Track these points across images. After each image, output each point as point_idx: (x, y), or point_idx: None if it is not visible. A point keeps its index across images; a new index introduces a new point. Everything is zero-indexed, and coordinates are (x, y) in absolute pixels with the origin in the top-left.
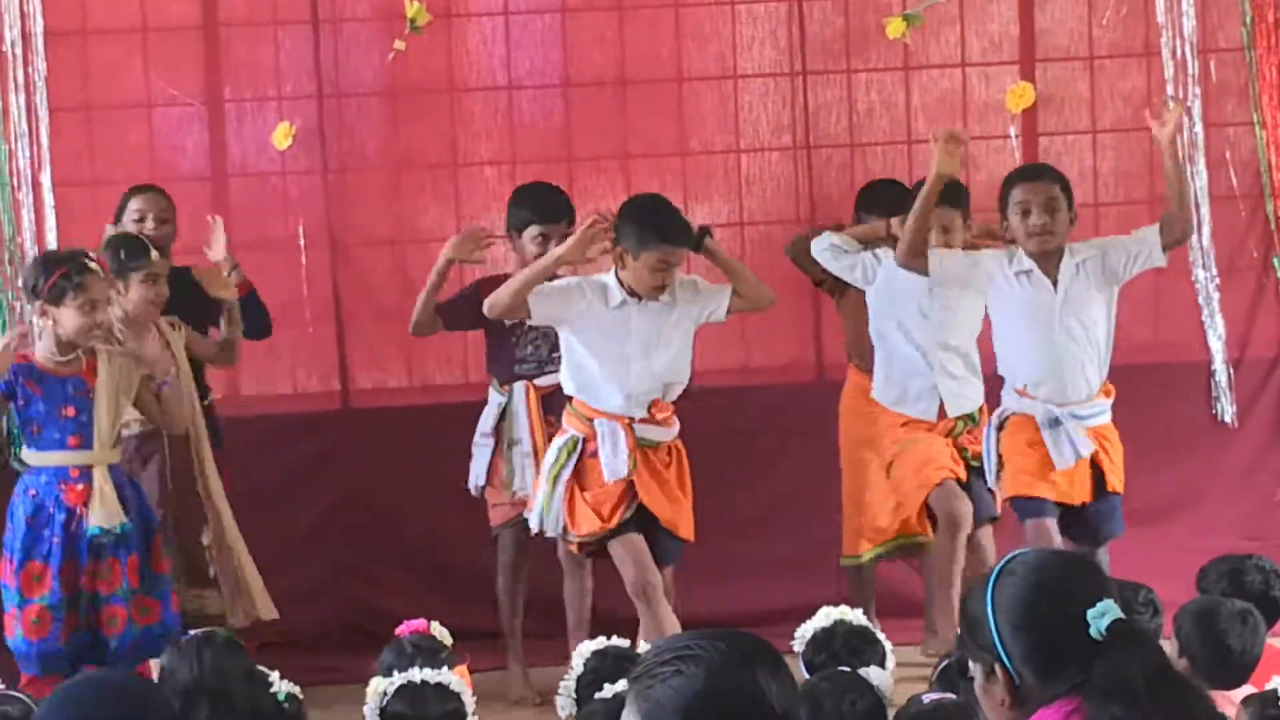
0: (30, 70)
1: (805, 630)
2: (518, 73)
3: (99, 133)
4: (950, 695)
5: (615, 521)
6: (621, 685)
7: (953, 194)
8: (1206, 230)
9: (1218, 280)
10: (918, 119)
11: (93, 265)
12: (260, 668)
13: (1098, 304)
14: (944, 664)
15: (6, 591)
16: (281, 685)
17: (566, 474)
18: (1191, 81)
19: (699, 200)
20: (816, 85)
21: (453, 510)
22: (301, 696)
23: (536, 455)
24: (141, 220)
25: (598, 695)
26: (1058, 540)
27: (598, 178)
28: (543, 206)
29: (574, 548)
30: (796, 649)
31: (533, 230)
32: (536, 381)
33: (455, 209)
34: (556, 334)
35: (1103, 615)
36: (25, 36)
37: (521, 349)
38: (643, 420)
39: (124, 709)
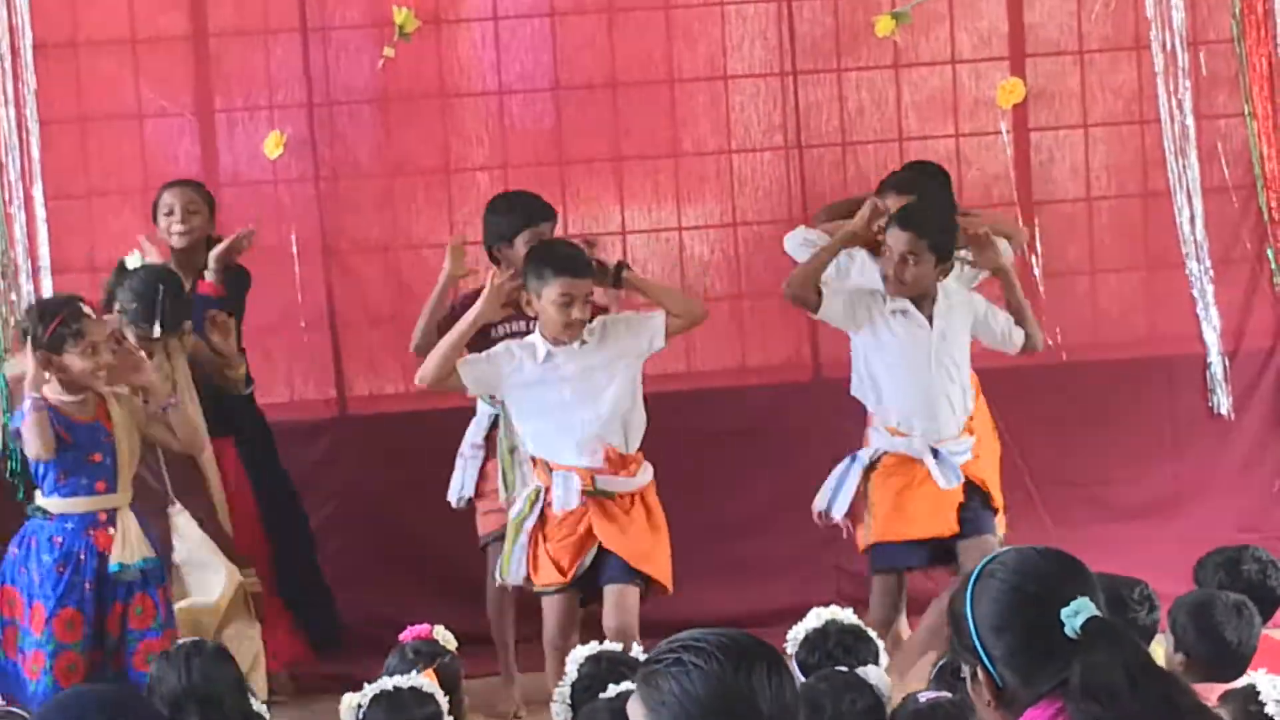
0: (20, 83)
1: (797, 632)
2: (508, 77)
3: (90, 145)
4: (947, 694)
5: (570, 576)
6: (625, 686)
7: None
8: (1200, 223)
9: (1212, 273)
10: (909, 117)
11: (87, 309)
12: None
13: (963, 344)
14: (941, 663)
15: (29, 636)
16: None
17: (530, 523)
18: (1182, 74)
19: (692, 201)
20: (807, 85)
21: (453, 515)
22: (267, 717)
23: None
24: (170, 214)
25: (601, 695)
26: (901, 597)
27: (590, 181)
28: (528, 209)
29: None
30: (790, 650)
31: (525, 235)
32: None
33: (448, 214)
34: None
35: (1076, 614)
36: (14, 49)
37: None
38: (599, 471)
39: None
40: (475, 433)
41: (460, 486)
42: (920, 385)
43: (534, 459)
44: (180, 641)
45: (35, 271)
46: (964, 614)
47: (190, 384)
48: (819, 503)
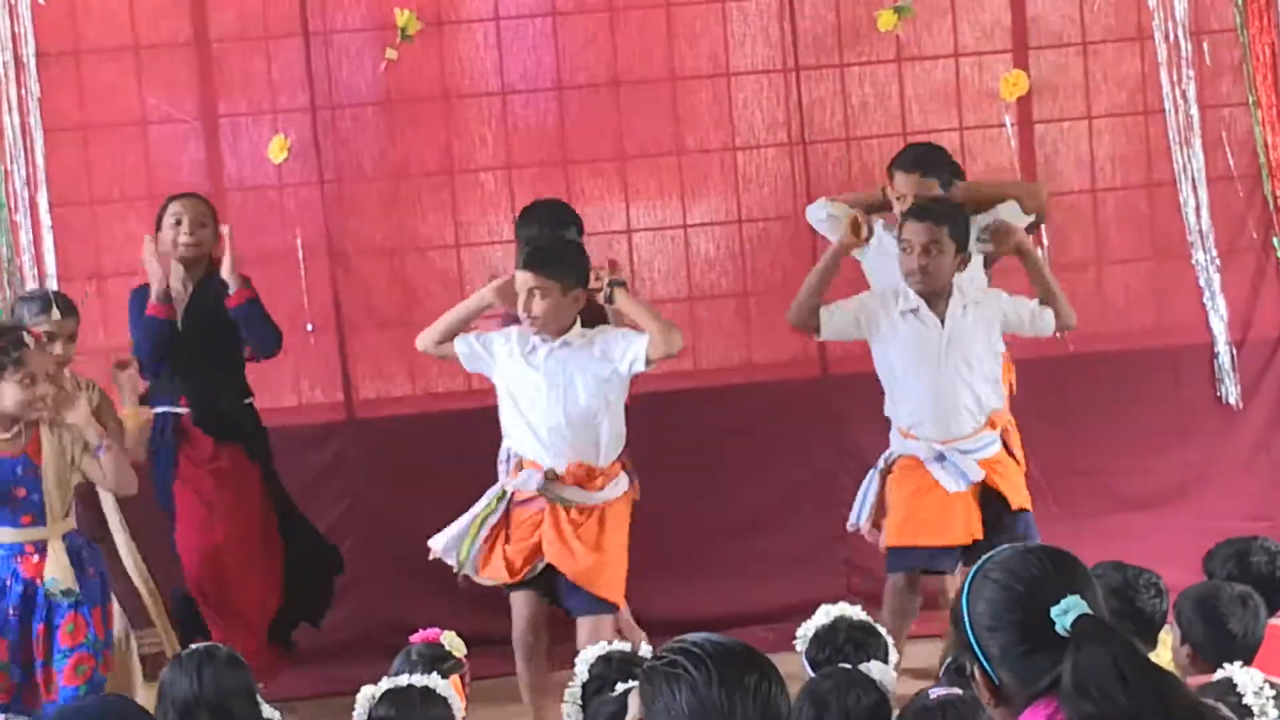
0: (24, 91)
1: (807, 629)
2: (511, 77)
3: (95, 152)
4: (956, 691)
5: (520, 577)
6: (633, 684)
7: (926, 161)
8: (1205, 213)
9: (1218, 262)
10: (912, 111)
11: (29, 339)
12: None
13: (983, 342)
14: (951, 660)
15: None
16: (263, 709)
17: (493, 520)
18: (1185, 64)
19: (696, 198)
20: (810, 80)
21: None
22: None
23: None
24: (178, 224)
25: (612, 694)
26: (915, 600)
27: (595, 180)
28: (551, 220)
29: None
30: (799, 648)
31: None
32: None
33: (453, 215)
34: None
35: (1066, 612)
36: (18, 58)
37: None
38: (559, 479)
39: None
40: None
41: None
42: (927, 385)
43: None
44: (193, 647)
45: (41, 279)
46: (961, 614)
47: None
48: (852, 519)
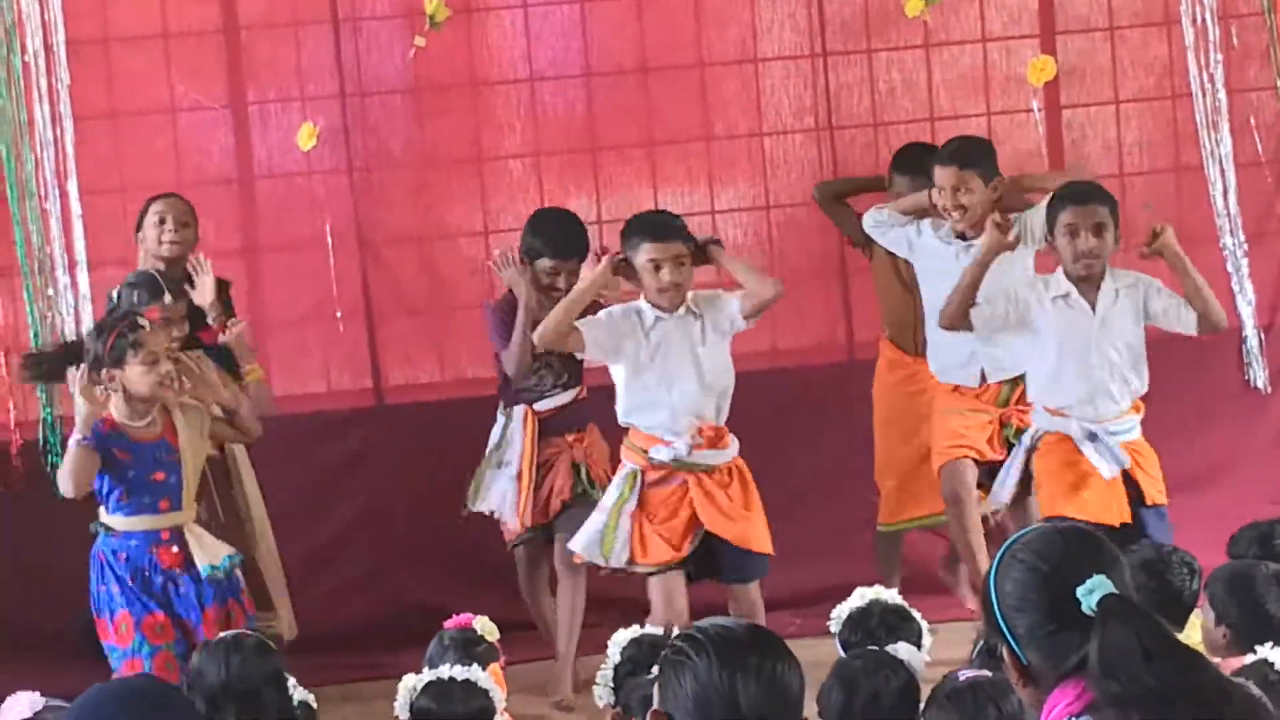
0: (54, 80)
1: (841, 611)
2: (539, 64)
3: (124, 140)
4: (985, 673)
5: (686, 549)
6: None
7: (965, 155)
8: (1233, 197)
9: (1245, 246)
10: (940, 96)
11: (143, 321)
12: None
13: (1133, 328)
14: (981, 642)
15: (116, 651)
16: (295, 692)
17: (630, 506)
18: (1213, 48)
19: (724, 185)
20: (838, 66)
21: None
22: (315, 705)
23: (521, 480)
24: (162, 223)
25: (645, 678)
26: None
27: (623, 167)
28: (557, 240)
29: (620, 575)
30: (833, 629)
31: (544, 263)
32: (535, 406)
33: (481, 203)
34: (560, 367)
35: (1092, 592)
36: (48, 46)
37: (526, 379)
38: (695, 446)
39: (152, 712)
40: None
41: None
42: (1079, 371)
43: (628, 441)
44: (222, 635)
45: (71, 266)
46: (989, 594)
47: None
48: (994, 498)
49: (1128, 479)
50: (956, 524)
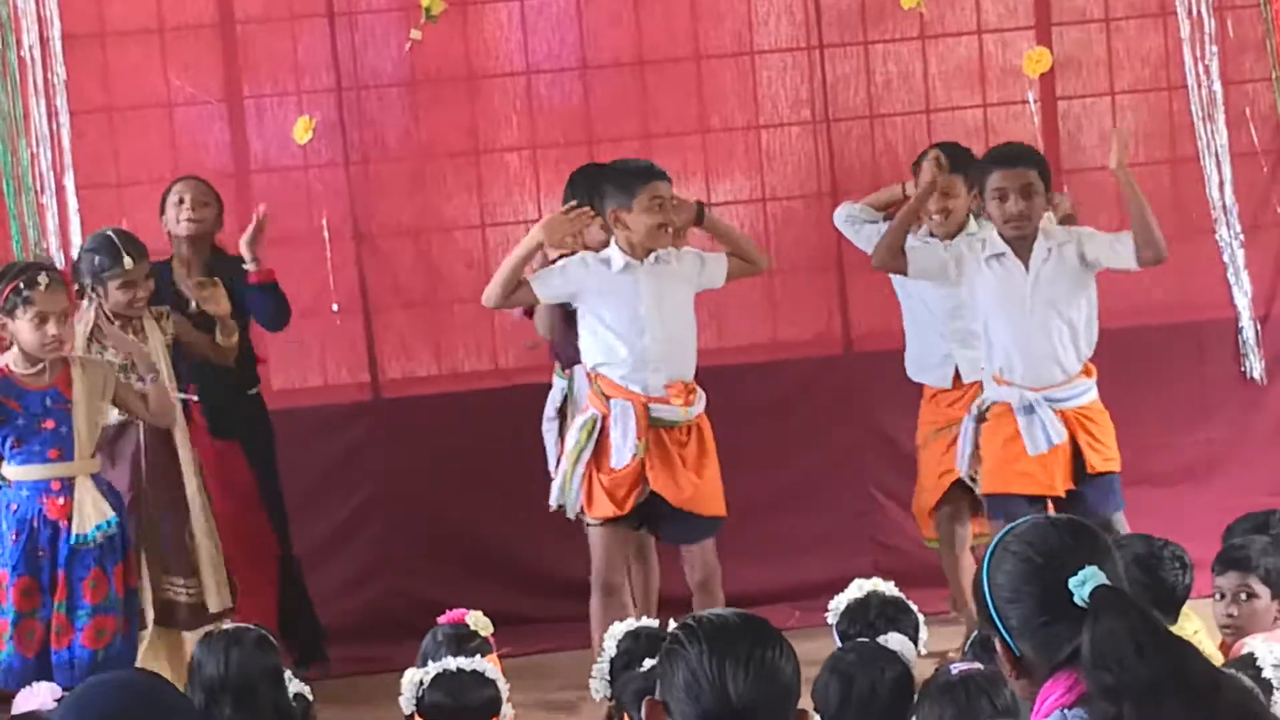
0: (50, 74)
1: (839, 602)
2: (535, 57)
3: (120, 134)
4: (978, 665)
5: (629, 507)
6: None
7: (956, 159)
8: (1229, 188)
9: (1242, 237)
10: (936, 88)
11: (42, 279)
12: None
13: (1072, 286)
14: (975, 635)
15: None
16: (292, 685)
17: (587, 454)
18: (1208, 39)
19: (721, 177)
20: (834, 58)
21: (489, 496)
22: (311, 698)
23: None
24: (181, 203)
25: (639, 670)
26: None
27: (619, 158)
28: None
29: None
30: (831, 621)
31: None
32: None
33: (478, 196)
34: None
35: (1084, 583)
36: (44, 40)
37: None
38: (658, 399)
39: (147, 707)
40: (550, 406)
41: (552, 459)
42: (1016, 330)
43: (592, 384)
44: (224, 627)
45: (68, 261)
46: (982, 586)
47: (168, 362)
48: (959, 466)
49: (1075, 447)
50: (951, 564)
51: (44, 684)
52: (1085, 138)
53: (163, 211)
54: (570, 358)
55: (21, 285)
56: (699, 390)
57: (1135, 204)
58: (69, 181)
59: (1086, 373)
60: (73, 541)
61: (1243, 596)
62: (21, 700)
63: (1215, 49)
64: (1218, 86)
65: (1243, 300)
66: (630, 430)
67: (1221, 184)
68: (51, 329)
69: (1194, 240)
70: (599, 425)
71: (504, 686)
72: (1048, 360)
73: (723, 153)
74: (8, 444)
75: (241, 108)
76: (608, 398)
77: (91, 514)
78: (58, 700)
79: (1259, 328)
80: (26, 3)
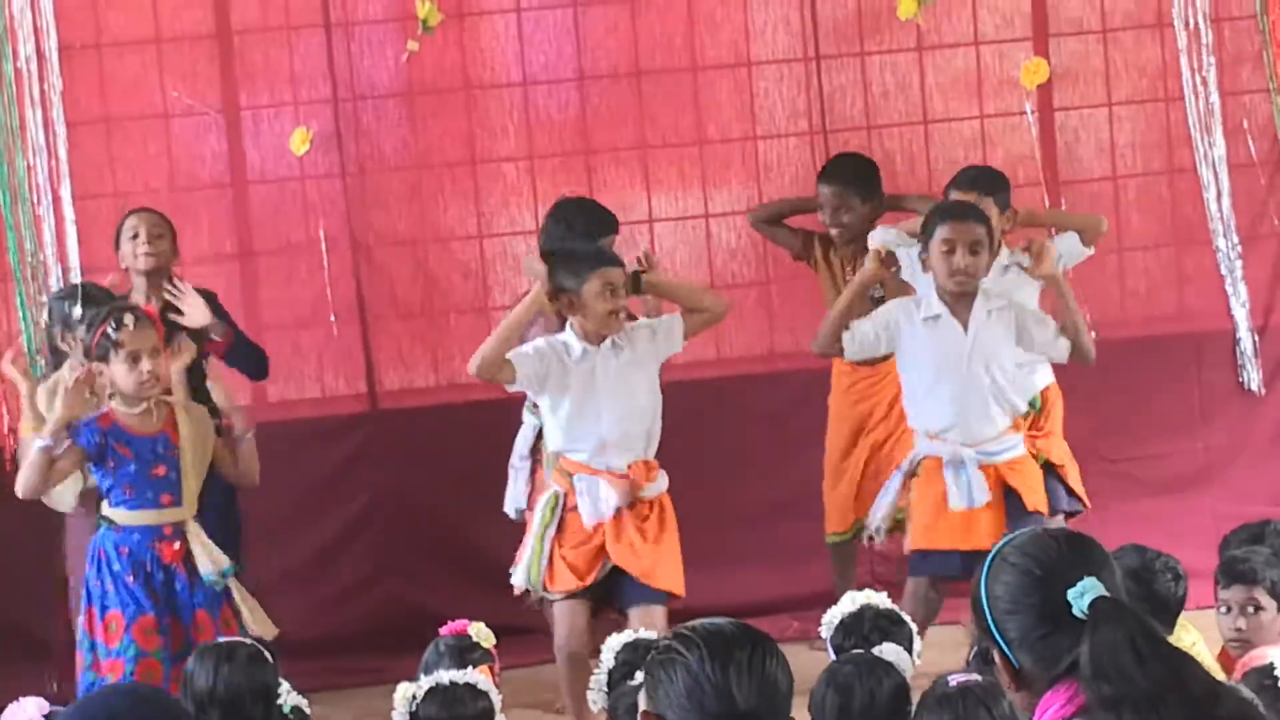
0: (46, 85)
1: (833, 616)
2: (532, 68)
3: (117, 145)
4: (976, 676)
5: (591, 580)
6: None
7: (985, 182)
8: (1227, 199)
9: (1239, 248)
10: (933, 99)
11: (128, 319)
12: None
13: (1005, 347)
14: (977, 647)
15: (99, 647)
16: (289, 697)
17: (552, 532)
18: (1205, 50)
19: (717, 188)
20: (831, 69)
21: (487, 506)
22: (308, 710)
23: None
24: (135, 237)
25: (631, 682)
26: (938, 603)
27: (616, 170)
28: (590, 219)
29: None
30: (824, 634)
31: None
32: None
33: (475, 206)
34: None
35: (1083, 594)
36: (40, 52)
37: None
38: (622, 476)
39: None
40: (522, 444)
41: (514, 498)
42: (951, 392)
43: (558, 465)
44: (219, 641)
45: (65, 273)
46: (980, 598)
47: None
48: (870, 523)
49: (1011, 492)
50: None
51: (31, 699)
52: (1082, 149)
53: (118, 246)
54: None
55: (110, 329)
56: (660, 469)
57: (1067, 312)
58: (65, 192)
59: (1016, 427)
60: (207, 580)
61: (1250, 610)
62: (9, 716)
63: (1213, 60)
64: (1215, 98)
65: (1240, 311)
66: (599, 495)
67: (1219, 195)
68: (146, 365)
69: (1192, 251)
70: (561, 502)
71: (496, 699)
72: (981, 419)
73: (720, 163)
74: (116, 490)
75: (238, 118)
76: (571, 475)
77: (216, 554)
78: (46, 716)
79: (1256, 338)
80: (23, 13)
